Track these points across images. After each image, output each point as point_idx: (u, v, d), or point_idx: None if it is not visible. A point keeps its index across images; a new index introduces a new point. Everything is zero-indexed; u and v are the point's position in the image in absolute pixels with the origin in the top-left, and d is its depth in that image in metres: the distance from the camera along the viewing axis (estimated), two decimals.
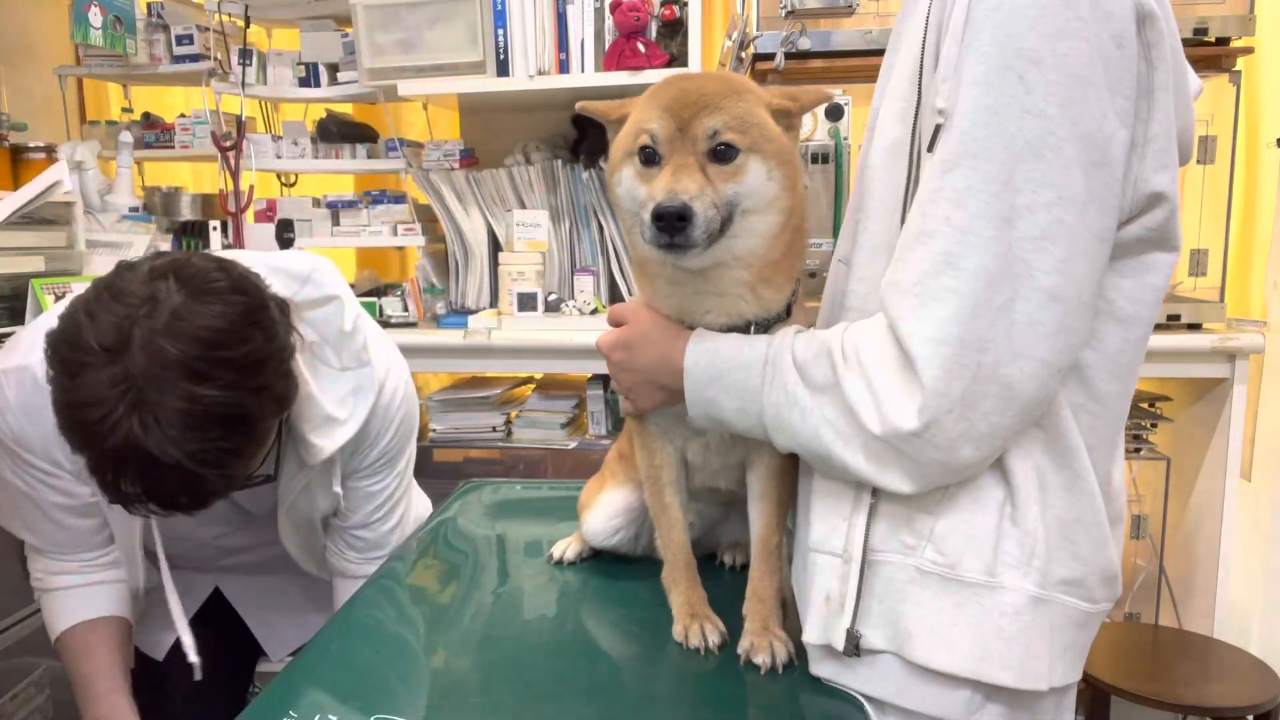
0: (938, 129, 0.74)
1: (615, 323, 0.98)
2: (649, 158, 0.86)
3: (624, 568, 1.18)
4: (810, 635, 0.85)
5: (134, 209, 2.46)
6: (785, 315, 0.93)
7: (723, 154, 0.83)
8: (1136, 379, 0.85)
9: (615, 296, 2.37)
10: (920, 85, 0.78)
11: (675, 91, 0.86)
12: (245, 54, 2.54)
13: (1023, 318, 0.71)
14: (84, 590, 1.29)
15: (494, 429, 2.31)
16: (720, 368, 0.87)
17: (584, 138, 2.45)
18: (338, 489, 1.31)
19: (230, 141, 2.48)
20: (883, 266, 0.79)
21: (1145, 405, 2.22)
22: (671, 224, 0.80)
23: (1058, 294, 0.71)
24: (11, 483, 1.21)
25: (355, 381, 1.24)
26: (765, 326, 0.91)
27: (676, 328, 0.92)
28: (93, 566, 1.30)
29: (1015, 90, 0.70)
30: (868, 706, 0.83)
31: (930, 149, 0.74)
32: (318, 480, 1.29)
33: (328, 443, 1.21)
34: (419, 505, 1.55)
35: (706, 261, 0.86)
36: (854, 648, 0.81)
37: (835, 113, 2.04)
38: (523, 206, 2.35)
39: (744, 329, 0.91)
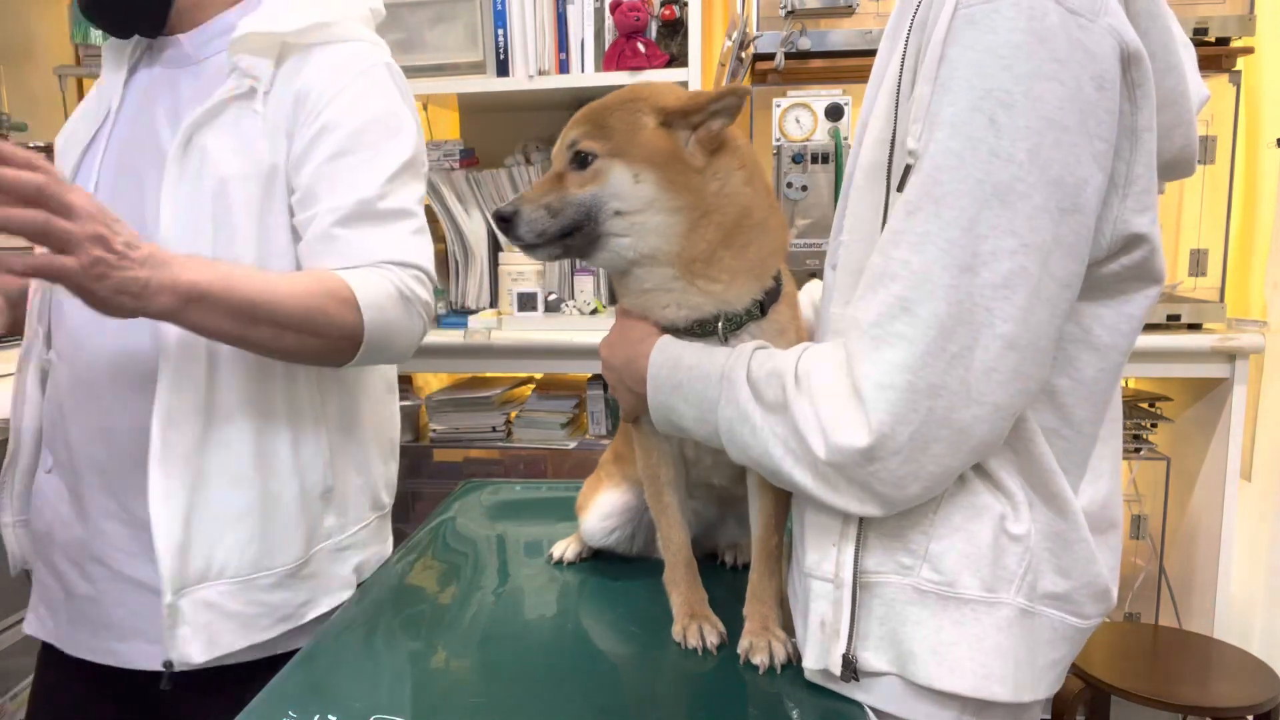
0: (908, 169, 0.73)
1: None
2: None
3: (623, 567, 1.18)
4: (809, 661, 0.85)
5: None
6: (760, 313, 0.92)
7: (581, 160, 0.89)
8: (1112, 404, 0.84)
9: (615, 297, 2.38)
10: (896, 113, 0.77)
11: (578, 111, 0.92)
12: None
13: (979, 365, 0.70)
14: None
15: (494, 429, 2.31)
16: (679, 378, 0.87)
17: None
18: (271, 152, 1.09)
19: None
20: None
21: (1145, 405, 2.23)
22: (500, 224, 0.90)
23: (1015, 341, 0.70)
24: None
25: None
26: (738, 322, 0.91)
27: (644, 331, 0.93)
28: None
29: (985, 134, 0.69)
30: (866, 707, 0.83)
31: (900, 189, 0.74)
32: (227, 114, 1.09)
33: (251, 20, 1.09)
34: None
35: (606, 260, 0.92)
36: (851, 673, 0.81)
37: (835, 113, 2.04)
38: None
39: (712, 322, 0.91)
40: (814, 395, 0.76)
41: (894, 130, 0.77)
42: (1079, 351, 0.79)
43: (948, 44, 0.70)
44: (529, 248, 0.91)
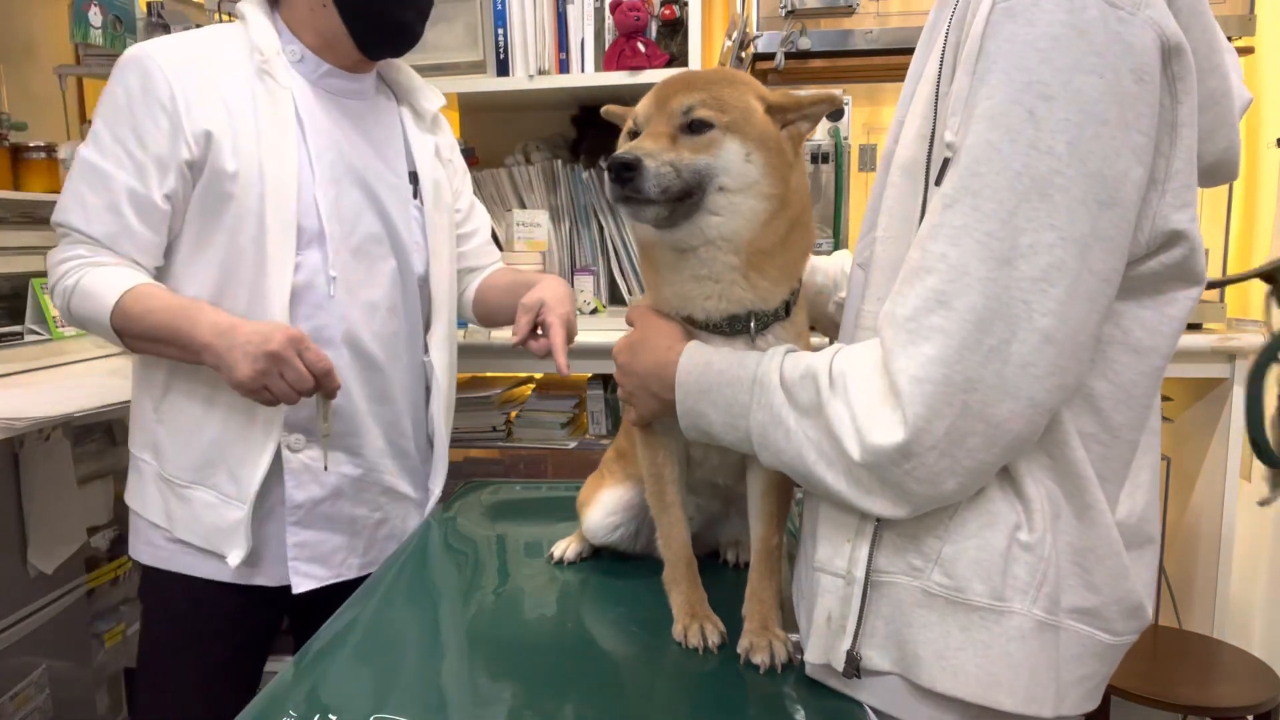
0: (946, 162, 0.72)
1: (629, 325, 0.99)
2: (633, 135, 0.91)
3: (624, 567, 1.18)
4: (812, 655, 0.85)
5: None
6: (785, 314, 0.93)
7: (696, 127, 0.86)
8: (1154, 411, 0.82)
9: (615, 296, 2.37)
10: (936, 109, 0.77)
11: (671, 80, 0.91)
12: None
13: (1016, 359, 0.70)
14: (134, 270, 1.26)
15: (494, 429, 2.30)
16: (710, 382, 0.87)
17: (584, 138, 2.45)
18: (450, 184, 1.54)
19: None
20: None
21: None
22: (620, 174, 0.83)
23: (1052, 336, 0.70)
24: (101, 165, 1.24)
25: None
26: (765, 322, 0.91)
27: (674, 335, 0.93)
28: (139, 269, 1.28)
29: (1024, 126, 0.68)
30: (867, 707, 0.83)
31: (938, 183, 0.73)
32: (438, 165, 1.50)
33: (434, 95, 1.52)
34: None
35: (688, 235, 0.89)
36: (854, 669, 0.81)
37: (835, 113, 2.03)
38: (523, 206, 2.35)
39: (745, 319, 0.91)
40: (849, 396, 0.76)
41: (933, 126, 0.77)
42: (1118, 353, 0.78)
43: (986, 37, 0.70)
44: (644, 203, 0.84)
